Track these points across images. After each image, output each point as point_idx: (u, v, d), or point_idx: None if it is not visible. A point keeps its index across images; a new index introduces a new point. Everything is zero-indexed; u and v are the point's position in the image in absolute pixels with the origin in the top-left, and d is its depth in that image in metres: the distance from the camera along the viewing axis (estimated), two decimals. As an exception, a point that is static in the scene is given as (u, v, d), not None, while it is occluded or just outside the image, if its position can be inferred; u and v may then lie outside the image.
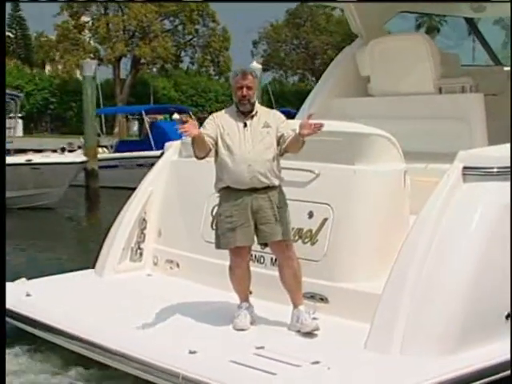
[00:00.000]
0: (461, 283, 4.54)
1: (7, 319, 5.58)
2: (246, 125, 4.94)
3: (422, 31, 21.23)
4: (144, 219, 6.51)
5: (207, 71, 55.21)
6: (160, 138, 20.61)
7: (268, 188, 4.89)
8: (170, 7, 48.12)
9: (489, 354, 4.44)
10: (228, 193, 4.96)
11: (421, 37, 7.17)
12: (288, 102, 49.63)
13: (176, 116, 28.39)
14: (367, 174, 5.28)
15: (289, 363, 4.30)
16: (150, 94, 46.80)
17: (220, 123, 4.98)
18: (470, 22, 8.81)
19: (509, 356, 4.49)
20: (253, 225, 4.92)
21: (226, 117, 5.03)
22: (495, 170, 4.79)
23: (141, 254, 6.48)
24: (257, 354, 4.48)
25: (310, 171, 5.28)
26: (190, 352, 4.48)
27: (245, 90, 4.92)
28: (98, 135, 24.45)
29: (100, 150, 23.87)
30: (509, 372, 4.46)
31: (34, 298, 5.69)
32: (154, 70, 55.22)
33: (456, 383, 4.24)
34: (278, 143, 4.91)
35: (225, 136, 4.91)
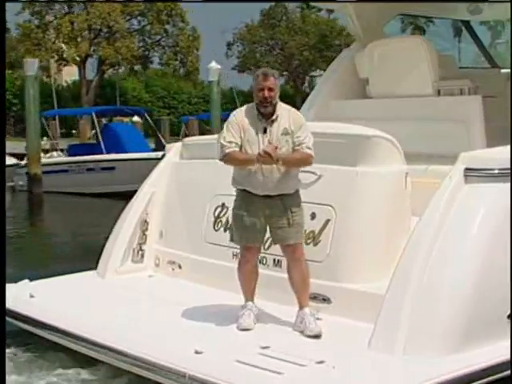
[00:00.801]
0: (464, 284, 4.57)
1: (12, 320, 5.60)
2: (265, 131, 4.86)
3: (408, 33, 21.20)
4: (146, 220, 6.55)
5: (175, 71, 53.20)
6: (112, 141, 20.56)
7: (283, 195, 4.89)
8: (135, 7, 47.01)
9: (492, 353, 4.47)
10: (243, 195, 4.98)
11: (419, 39, 7.23)
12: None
13: (136, 118, 27.76)
14: (369, 175, 5.30)
15: (294, 363, 4.33)
16: (119, 95, 45.85)
17: (242, 127, 4.89)
18: (467, 25, 8.84)
19: (505, 357, 4.50)
20: (264, 227, 4.95)
21: (247, 121, 4.92)
22: (496, 171, 4.82)
23: (142, 256, 6.51)
24: (262, 353, 4.50)
25: (313, 173, 5.28)
26: (196, 352, 4.49)
27: (266, 91, 4.83)
28: (49, 138, 24.18)
29: (55, 153, 23.62)
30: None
31: (37, 299, 5.72)
32: (121, 70, 53.12)
33: (459, 382, 4.27)
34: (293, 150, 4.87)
35: (245, 142, 4.87)
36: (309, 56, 52.15)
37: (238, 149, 4.88)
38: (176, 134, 33.28)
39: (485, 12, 8.39)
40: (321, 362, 4.32)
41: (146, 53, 51.46)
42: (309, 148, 4.81)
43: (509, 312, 4.68)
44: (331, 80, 7.71)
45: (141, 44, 50.61)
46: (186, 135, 34.24)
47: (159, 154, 20.66)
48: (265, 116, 4.90)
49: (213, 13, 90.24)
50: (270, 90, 4.84)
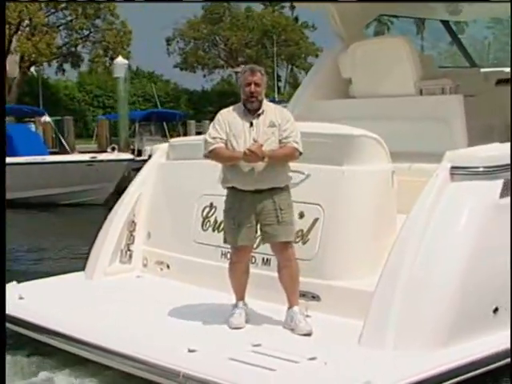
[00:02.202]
0: (451, 280, 4.63)
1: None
2: (251, 124, 4.88)
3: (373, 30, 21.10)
4: (133, 221, 6.56)
5: (106, 68, 49.49)
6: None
7: (273, 189, 4.88)
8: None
9: (478, 347, 4.55)
10: (233, 193, 4.97)
11: (401, 39, 7.24)
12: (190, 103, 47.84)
13: (46, 118, 25.54)
14: (356, 174, 5.35)
15: (286, 359, 4.36)
16: (49, 93, 44.05)
17: (227, 123, 4.92)
18: (446, 25, 8.96)
19: (497, 349, 4.62)
20: (255, 225, 4.95)
21: (233, 115, 4.95)
22: (481, 169, 4.89)
23: (130, 256, 6.52)
24: (254, 351, 4.53)
25: (300, 172, 5.30)
26: (190, 351, 4.52)
27: (253, 86, 4.85)
28: None
29: None
30: (498, 364, 4.61)
31: (26, 300, 5.72)
32: (48, 67, 50.60)
33: (448, 376, 4.35)
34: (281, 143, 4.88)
35: (231, 137, 4.88)
36: (252, 52, 51.27)
37: (223, 144, 4.90)
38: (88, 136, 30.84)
39: (463, 12, 8.53)
40: (313, 359, 4.36)
41: (73, 49, 49.09)
42: (296, 142, 4.84)
43: (494, 306, 4.76)
44: (315, 80, 7.77)
45: (67, 39, 48.01)
46: (97, 136, 33.10)
47: (57, 157, 19.99)
48: (251, 111, 4.91)
49: (156, 9, 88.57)
50: (257, 85, 4.87)
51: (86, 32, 47.84)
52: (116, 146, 20.65)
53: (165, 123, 26.53)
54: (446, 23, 8.96)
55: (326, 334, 4.84)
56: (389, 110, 6.85)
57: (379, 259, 4.93)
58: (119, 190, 10.65)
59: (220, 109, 5.15)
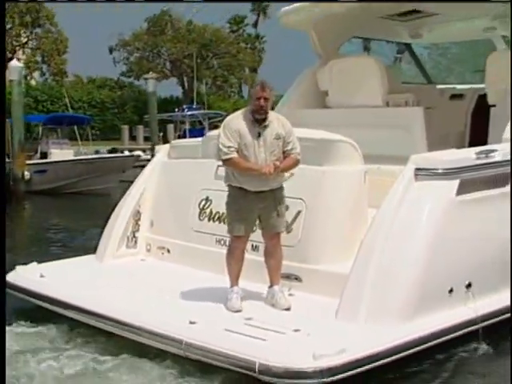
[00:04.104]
0: (414, 265, 4.70)
1: (26, 297, 5.64)
2: (259, 135, 4.82)
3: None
4: (138, 211, 6.54)
5: (43, 74, 46.54)
6: None
7: (274, 189, 4.93)
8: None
9: (437, 321, 4.64)
10: (241, 191, 4.91)
11: (372, 59, 7.32)
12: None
13: None
14: (334, 173, 5.39)
15: (275, 331, 4.42)
16: None
17: (238, 131, 4.82)
18: (409, 47, 9.05)
19: (452, 323, 4.71)
20: (256, 218, 4.96)
21: (242, 125, 4.85)
22: (441, 170, 4.95)
23: (135, 242, 6.50)
24: (247, 323, 4.58)
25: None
26: (191, 322, 4.57)
27: (262, 100, 4.78)
28: None
29: None
30: (454, 335, 4.71)
31: (46, 278, 5.72)
32: None
33: (411, 345, 4.44)
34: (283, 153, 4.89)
35: (242, 146, 4.81)
36: (191, 63, 48.55)
37: (236, 153, 4.82)
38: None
39: (424, 37, 8.65)
40: (297, 331, 4.43)
41: (10, 55, 44.40)
42: (298, 154, 4.88)
43: (449, 288, 4.83)
44: (296, 92, 7.77)
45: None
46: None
47: None
48: (258, 121, 4.84)
49: (101, 18, 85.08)
50: (266, 99, 4.80)
51: (24, 39, 44.99)
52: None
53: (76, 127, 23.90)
54: (408, 46, 9.03)
55: (307, 310, 4.88)
56: (360, 119, 6.89)
57: (353, 246, 4.98)
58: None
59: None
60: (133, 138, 37.84)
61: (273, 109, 6.38)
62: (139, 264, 6.34)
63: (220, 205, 5.43)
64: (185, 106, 24.75)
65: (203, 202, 6.10)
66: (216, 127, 28.56)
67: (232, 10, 61.15)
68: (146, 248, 6.52)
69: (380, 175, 5.61)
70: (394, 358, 4.31)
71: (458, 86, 8.60)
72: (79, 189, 18.94)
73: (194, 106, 25.87)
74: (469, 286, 4.93)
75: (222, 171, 5.32)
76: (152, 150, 19.93)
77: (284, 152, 4.90)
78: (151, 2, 44.65)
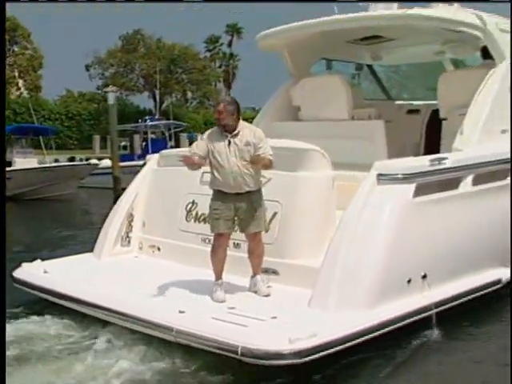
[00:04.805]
0: (377, 259, 4.76)
1: (31, 291, 5.62)
2: (229, 142, 4.90)
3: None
4: (131, 214, 6.53)
5: (18, 89, 45.29)
6: None
7: (249, 192, 4.95)
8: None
9: (396, 308, 4.72)
10: (219, 193, 5.00)
11: (339, 78, 7.40)
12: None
13: None
14: (306, 179, 5.43)
15: (255, 318, 4.47)
16: None
17: (210, 141, 4.95)
18: (370, 68, 9.17)
19: (410, 309, 4.79)
20: (234, 218, 4.99)
21: (214, 135, 4.98)
22: (400, 176, 5.01)
23: (129, 241, 6.49)
24: (230, 312, 4.62)
25: (264, 176, 5.28)
26: (180, 312, 4.60)
27: (217, 114, 4.92)
28: None
29: None
30: (412, 319, 4.78)
31: (50, 274, 5.72)
32: None
33: (375, 329, 4.51)
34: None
35: (215, 153, 4.91)
36: (161, 78, 47.75)
37: (196, 157, 4.93)
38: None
39: (383, 59, 8.79)
40: (274, 318, 4.48)
41: None
42: (271, 155, 4.93)
43: (408, 278, 4.90)
44: (272, 107, 7.80)
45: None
46: None
47: None
48: (227, 131, 4.92)
49: (79, 35, 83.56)
50: (220, 113, 4.88)
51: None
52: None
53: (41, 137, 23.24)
54: (370, 66, 9.14)
55: (283, 299, 4.92)
56: (329, 131, 6.93)
57: (323, 243, 5.02)
58: None
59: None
60: (106, 146, 37.10)
61: (252, 120, 6.43)
62: (133, 261, 6.33)
63: (205, 207, 5.41)
64: (147, 118, 24.40)
65: (190, 205, 6.11)
66: (178, 137, 28.42)
67: (208, 30, 60.65)
68: (139, 246, 6.50)
69: (346, 180, 5.64)
70: (359, 340, 4.37)
71: (414, 102, 8.74)
72: (40, 195, 18.60)
73: (156, 117, 25.52)
74: (424, 276, 5.00)
75: (206, 177, 5.34)
76: (113, 159, 19.64)
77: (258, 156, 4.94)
78: (151, 2, 43.69)
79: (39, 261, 6.08)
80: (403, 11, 6.70)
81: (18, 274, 5.83)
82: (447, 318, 5.00)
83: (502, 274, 5.76)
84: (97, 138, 38.17)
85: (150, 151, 21.15)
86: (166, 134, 22.92)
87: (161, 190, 6.55)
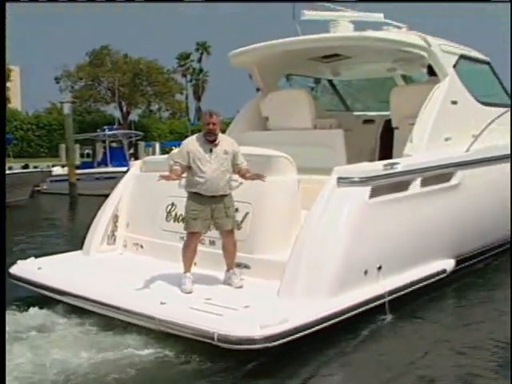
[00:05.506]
0: (337, 253, 4.81)
1: (27, 286, 5.54)
2: (211, 151, 4.95)
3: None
4: (116, 215, 6.49)
5: None
6: None
7: (223, 195, 5.03)
8: None
9: (354, 296, 4.79)
10: (196, 195, 5.03)
11: (303, 91, 7.49)
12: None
13: None
14: (274, 182, 5.42)
15: (229, 308, 4.48)
16: None
17: (191, 150, 4.97)
18: (331, 82, 9.29)
19: (366, 297, 4.83)
20: (210, 218, 5.01)
21: (196, 144, 4.99)
22: (357, 179, 5.08)
23: (115, 240, 6.44)
24: (207, 303, 4.62)
25: (236, 180, 5.34)
26: (161, 303, 4.60)
27: (211, 125, 4.92)
28: None
29: None
30: (369, 306, 4.85)
31: (43, 270, 5.66)
32: None
33: (337, 315, 4.57)
34: (233, 166, 5.02)
35: (196, 160, 4.95)
36: (125, 90, 47.44)
37: (178, 166, 4.94)
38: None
39: (342, 75, 8.90)
40: (247, 307, 4.49)
41: None
42: (246, 165, 5.03)
43: (364, 270, 4.95)
44: (243, 118, 7.82)
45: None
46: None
47: None
48: (210, 141, 4.97)
49: (49, 49, 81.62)
50: (214, 124, 4.94)
51: None
52: None
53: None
54: (330, 81, 9.26)
55: (255, 290, 4.94)
56: (294, 139, 6.97)
57: (290, 240, 5.05)
58: None
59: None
60: (81, 155, 35.97)
61: (224, 131, 6.45)
62: (118, 257, 6.28)
63: (183, 209, 5.39)
64: (105, 127, 24.12)
65: (169, 207, 6.09)
66: (136, 146, 28.14)
67: (180, 47, 60.19)
68: (124, 244, 6.46)
69: (310, 183, 5.67)
70: (323, 325, 4.42)
71: (370, 113, 8.88)
72: None
73: (114, 127, 25.19)
74: (379, 268, 5.07)
75: (184, 181, 5.33)
76: (69, 165, 19.25)
77: (235, 165, 5.02)
78: (151, 2, 42.24)
79: (33, 258, 6.02)
80: (358, 33, 6.82)
81: (14, 270, 5.76)
82: (399, 304, 5.10)
83: (447, 264, 5.89)
84: (63, 147, 37.28)
85: (108, 159, 20.90)
86: (124, 143, 22.60)
87: (143, 193, 6.51)
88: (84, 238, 6.46)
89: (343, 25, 7.06)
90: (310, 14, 7.08)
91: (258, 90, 8.00)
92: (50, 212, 16.29)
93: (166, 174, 4.95)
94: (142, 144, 29.68)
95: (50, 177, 20.40)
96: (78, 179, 18.77)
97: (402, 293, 5.21)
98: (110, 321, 4.79)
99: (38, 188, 19.87)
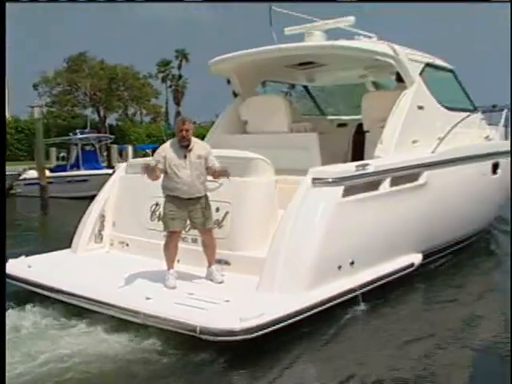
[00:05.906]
0: (312, 249, 4.83)
1: (16, 283, 5.46)
2: (185, 156, 4.95)
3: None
4: (103, 215, 6.43)
5: None
6: None
7: (199, 197, 5.04)
8: None
9: (329, 289, 4.81)
10: (174, 198, 5.03)
11: (280, 97, 7.50)
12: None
13: None
14: (253, 183, 5.46)
15: (211, 302, 4.48)
16: None
17: (166, 155, 4.95)
18: (306, 88, 9.30)
19: (340, 290, 4.86)
20: (187, 218, 5.01)
21: (171, 150, 4.98)
22: (330, 180, 5.10)
23: (101, 238, 6.39)
24: (190, 297, 4.62)
25: (216, 181, 5.34)
26: (147, 298, 4.57)
27: (184, 132, 4.93)
28: None
29: None
30: (342, 299, 4.87)
31: (33, 268, 5.59)
32: None
33: (312, 307, 4.58)
34: (207, 168, 4.99)
35: (172, 165, 4.94)
36: (102, 96, 46.48)
37: (160, 165, 4.94)
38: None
39: (316, 81, 8.94)
40: (227, 301, 4.50)
41: None
42: (218, 166, 4.99)
43: (338, 265, 4.99)
44: (223, 121, 7.77)
45: None
46: None
47: None
48: (183, 147, 4.97)
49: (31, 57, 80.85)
50: (187, 131, 4.93)
51: None
52: None
53: None
54: (305, 87, 9.28)
55: (234, 285, 4.94)
56: (272, 142, 6.97)
57: (267, 237, 5.07)
58: None
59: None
60: (49, 157, 35.15)
61: (204, 136, 6.42)
62: (105, 255, 6.23)
63: (166, 209, 5.43)
64: (77, 131, 23.75)
65: (154, 207, 6.06)
66: (108, 149, 27.85)
67: (160, 55, 59.86)
68: (110, 243, 6.41)
69: (286, 184, 5.68)
70: (299, 318, 4.43)
71: (343, 117, 8.93)
72: None
73: (86, 130, 24.86)
74: (352, 263, 5.11)
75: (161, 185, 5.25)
76: (39, 168, 18.73)
77: (208, 167, 5.00)
78: (151, 2, 40.98)
79: (23, 257, 5.93)
80: (331, 42, 6.86)
81: (6, 269, 5.65)
82: (371, 296, 5.15)
83: (415, 258, 5.96)
84: (54, 150, 36.85)
85: (80, 162, 20.53)
86: (96, 146, 22.31)
87: (128, 194, 6.47)
88: (72, 236, 6.38)
89: (317, 34, 7.09)
90: (290, 29, 7.26)
91: (235, 94, 8.00)
92: (20, 214, 16.00)
93: (152, 166, 4.89)
94: (114, 147, 29.39)
95: (23, 180, 19.95)
96: (49, 182, 18.20)
97: (374, 286, 5.24)
98: (93, 314, 4.76)
99: (13, 191, 19.46)
